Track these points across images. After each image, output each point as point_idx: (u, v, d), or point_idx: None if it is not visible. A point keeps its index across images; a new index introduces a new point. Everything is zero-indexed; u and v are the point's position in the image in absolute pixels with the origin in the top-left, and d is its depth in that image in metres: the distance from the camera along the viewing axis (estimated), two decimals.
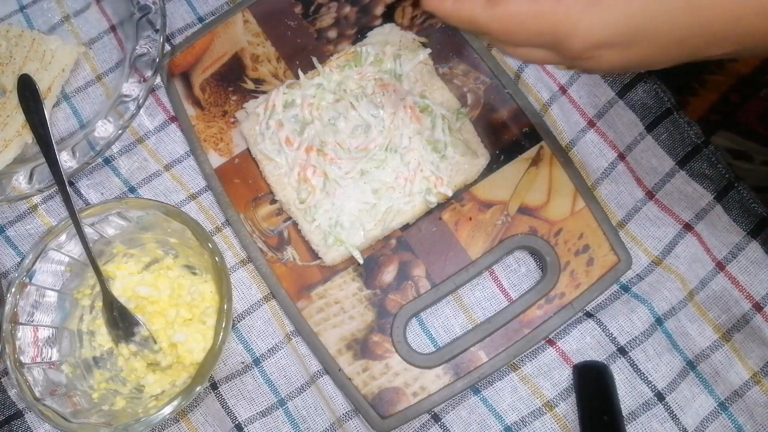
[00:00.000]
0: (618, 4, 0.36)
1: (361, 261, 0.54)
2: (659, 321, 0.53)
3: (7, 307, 0.51)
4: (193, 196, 0.59)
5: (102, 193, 0.60)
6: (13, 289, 0.51)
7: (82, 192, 0.60)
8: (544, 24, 0.37)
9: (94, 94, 0.63)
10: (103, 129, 0.57)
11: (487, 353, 0.52)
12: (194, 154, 0.59)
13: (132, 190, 0.60)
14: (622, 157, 0.56)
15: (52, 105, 0.61)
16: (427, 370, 0.52)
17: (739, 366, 0.52)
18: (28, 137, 0.60)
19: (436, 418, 0.53)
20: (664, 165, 0.55)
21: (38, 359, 0.52)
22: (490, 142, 0.56)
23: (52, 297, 0.54)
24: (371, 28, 0.60)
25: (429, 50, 0.57)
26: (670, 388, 0.52)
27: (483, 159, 0.56)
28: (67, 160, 0.57)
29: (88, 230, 0.53)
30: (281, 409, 0.55)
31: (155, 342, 0.55)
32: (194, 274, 0.57)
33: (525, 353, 0.53)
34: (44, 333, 0.53)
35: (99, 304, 0.56)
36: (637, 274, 0.55)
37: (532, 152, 0.56)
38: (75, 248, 0.54)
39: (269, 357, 0.55)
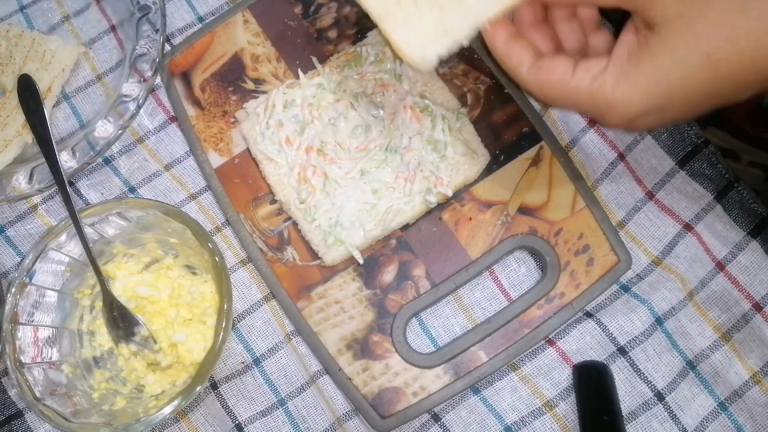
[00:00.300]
0: (646, 75, 0.37)
1: (361, 261, 0.54)
2: (659, 321, 0.53)
3: (7, 307, 0.51)
4: (193, 196, 0.59)
5: (102, 193, 0.60)
6: (13, 289, 0.51)
7: (82, 192, 0.60)
8: (582, 98, 0.40)
9: (94, 94, 0.63)
10: (103, 129, 0.57)
11: (487, 353, 0.52)
12: (194, 154, 0.59)
13: (132, 190, 0.60)
14: (622, 157, 0.56)
15: (52, 105, 0.61)
16: (427, 369, 0.52)
17: (739, 366, 0.52)
18: (28, 137, 0.60)
19: (436, 417, 0.53)
20: (664, 165, 0.55)
21: (38, 359, 0.52)
22: (490, 142, 0.56)
23: (52, 297, 0.54)
24: (371, 28, 0.60)
25: None
26: (670, 388, 0.52)
27: (483, 159, 0.56)
28: (67, 160, 0.57)
29: (88, 230, 0.53)
30: (281, 409, 0.55)
31: (155, 342, 0.55)
32: (194, 274, 0.57)
33: (525, 353, 0.53)
34: (44, 333, 0.53)
35: (99, 304, 0.56)
36: (637, 274, 0.55)
37: (532, 152, 0.56)
38: (75, 248, 0.54)
39: (269, 357, 0.55)
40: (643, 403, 0.52)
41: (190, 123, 0.59)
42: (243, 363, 0.56)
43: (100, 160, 0.60)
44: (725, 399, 0.52)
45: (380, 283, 0.54)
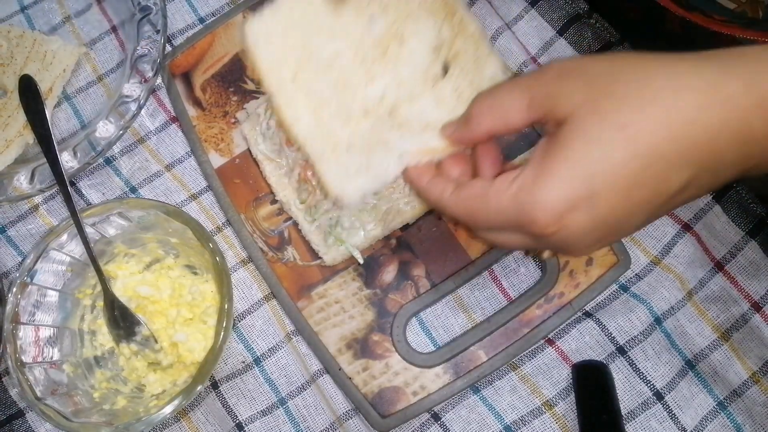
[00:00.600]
0: (562, 162, 0.36)
1: (361, 261, 0.54)
2: (658, 321, 0.53)
3: (9, 307, 0.51)
4: (194, 196, 0.59)
5: (103, 193, 0.60)
6: (15, 289, 0.52)
7: (83, 192, 0.60)
8: (504, 204, 0.38)
9: (95, 95, 0.63)
10: (104, 129, 0.57)
11: (486, 353, 0.52)
12: (195, 154, 0.59)
13: (133, 190, 0.60)
14: None
15: (54, 105, 0.61)
16: (426, 369, 0.53)
17: (738, 365, 0.53)
18: (30, 137, 0.60)
19: (435, 417, 0.53)
20: None
21: (39, 359, 0.52)
22: None
23: (53, 297, 0.54)
24: None
25: None
26: (669, 388, 0.52)
27: None
28: (68, 161, 0.57)
29: (89, 230, 0.53)
30: (282, 408, 0.55)
31: (156, 341, 0.55)
32: (195, 273, 0.57)
33: (524, 353, 0.53)
34: (45, 333, 0.53)
35: (100, 303, 0.56)
36: (636, 274, 0.55)
37: (531, 152, 0.56)
38: (76, 248, 0.54)
39: (270, 356, 0.56)
40: (642, 403, 0.52)
41: (191, 123, 0.59)
42: (243, 362, 0.56)
43: (101, 160, 0.60)
44: (724, 398, 0.52)
45: (380, 283, 0.55)
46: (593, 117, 0.35)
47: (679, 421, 0.52)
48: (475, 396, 0.53)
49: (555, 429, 0.52)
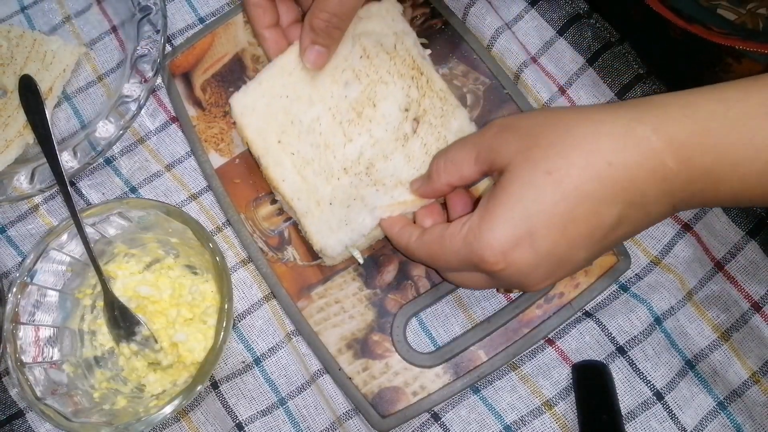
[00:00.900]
0: (502, 204, 0.40)
1: (361, 261, 0.54)
2: (658, 320, 0.53)
3: (9, 307, 0.51)
4: (194, 196, 0.59)
5: (103, 193, 0.60)
6: (15, 289, 0.52)
7: (83, 192, 0.60)
8: (457, 245, 0.42)
9: (95, 95, 0.63)
10: (104, 129, 0.57)
11: (486, 352, 0.52)
12: (195, 154, 0.59)
13: (133, 190, 0.60)
14: None
15: (54, 105, 0.62)
16: (426, 369, 0.53)
17: (738, 365, 0.53)
18: (30, 137, 0.60)
19: (435, 417, 0.53)
20: None
21: (39, 359, 0.52)
22: None
23: (53, 297, 0.54)
24: None
25: (429, 51, 0.57)
26: (669, 388, 0.52)
27: None
28: (68, 161, 0.57)
29: (89, 230, 0.53)
30: (281, 408, 0.55)
31: (156, 341, 0.55)
32: (195, 273, 0.57)
33: (524, 352, 0.53)
34: (45, 333, 0.53)
35: (100, 303, 0.56)
36: (636, 274, 0.55)
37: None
38: (76, 248, 0.54)
39: (270, 356, 0.56)
40: (642, 403, 0.52)
41: (191, 123, 0.59)
42: (243, 362, 0.56)
43: (101, 160, 0.60)
44: (724, 398, 0.52)
45: (380, 283, 0.55)
46: (526, 164, 0.40)
47: (679, 421, 0.52)
48: (475, 396, 0.53)
49: (555, 429, 0.52)
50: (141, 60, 0.58)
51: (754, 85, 0.38)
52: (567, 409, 0.52)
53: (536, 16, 0.59)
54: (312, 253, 0.55)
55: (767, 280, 0.53)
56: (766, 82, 0.38)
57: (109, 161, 0.61)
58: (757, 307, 0.53)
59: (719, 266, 0.54)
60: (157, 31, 0.59)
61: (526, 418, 0.52)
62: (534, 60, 0.59)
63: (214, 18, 0.62)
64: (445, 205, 0.51)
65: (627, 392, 0.52)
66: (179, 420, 0.55)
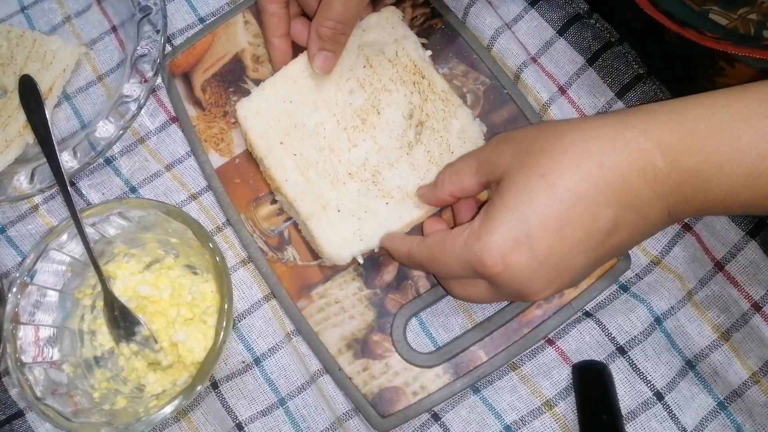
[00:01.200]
0: (500, 210, 0.42)
1: (361, 261, 0.54)
2: (658, 321, 0.53)
3: (9, 307, 0.51)
4: (194, 196, 0.59)
5: (103, 193, 0.60)
6: (15, 289, 0.52)
7: (83, 192, 0.60)
8: (459, 248, 0.44)
9: (95, 95, 0.63)
10: (104, 129, 0.57)
11: (486, 353, 0.52)
12: (195, 154, 0.59)
13: (133, 190, 0.60)
14: None
15: (53, 105, 0.62)
16: (426, 369, 0.53)
17: (738, 365, 0.53)
18: (30, 137, 0.60)
19: (435, 417, 0.53)
20: None
21: (39, 359, 0.52)
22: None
23: (53, 297, 0.54)
24: None
25: (429, 51, 0.57)
26: (669, 388, 0.52)
27: None
28: (68, 161, 0.57)
29: (89, 230, 0.53)
30: (281, 409, 0.55)
31: (156, 341, 0.55)
32: (195, 273, 0.57)
33: (524, 353, 0.53)
34: (45, 333, 0.53)
35: (100, 303, 0.56)
36: (636, 274, 0.55)
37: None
38: (76, 248, 0.54)
39: (270, 356, 0.56)
40: (642, 403, 0.52)
41: (191, 123, 0.59)
42: (243, 362, 0.56)
43: (101, 160, 0.60)
44: (724, 398, 0.52)
45: (380, 283, 0.55)
46: (521, 171, 0.42)
47: (679, 422, 0.52)
48: (475, 396, 0.53)
49: (555, 429, 0.52)
50: (141, 60, 0.58)
51: (740, 92, 0.40)
52: (567, 409, 0.52)
53: (536, 16, 0.59)
54: (312, 253, 0.55)
55: (767, 281, 0.53)
56: (752, 90, 0.40)
57: (109, 161, 0.61)
58: (757, 307, 0.53)
59: (719, 266, 0.54)
60: (157, 31, 0.59)
61: (526, 418, 0.52)
62: (534, 60, 0.59)
63: (214, 18, 0.62)
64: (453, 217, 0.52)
65: (627, 392, 0.52)
66: (179, 420, 0.55)
